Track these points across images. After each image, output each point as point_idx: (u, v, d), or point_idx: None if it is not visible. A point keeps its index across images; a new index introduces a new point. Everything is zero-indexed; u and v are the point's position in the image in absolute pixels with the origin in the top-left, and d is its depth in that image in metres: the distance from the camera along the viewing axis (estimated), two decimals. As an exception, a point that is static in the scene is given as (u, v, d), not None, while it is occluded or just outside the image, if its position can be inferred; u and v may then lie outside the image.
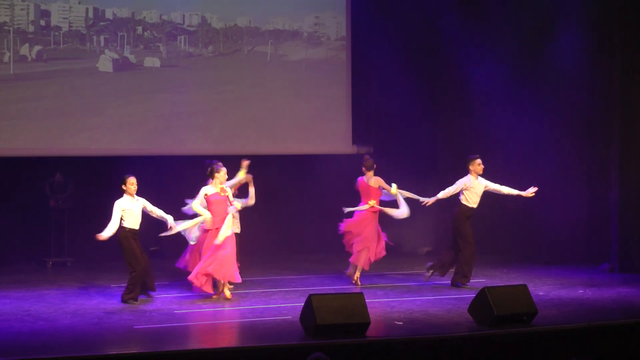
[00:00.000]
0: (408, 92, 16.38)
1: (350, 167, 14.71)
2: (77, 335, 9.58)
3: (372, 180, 12.94)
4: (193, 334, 9.84)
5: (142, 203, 11.49)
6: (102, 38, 15.14)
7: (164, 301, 11.56)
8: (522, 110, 15.77)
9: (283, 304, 11.53)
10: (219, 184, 11.76)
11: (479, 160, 12.83)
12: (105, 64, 15.13)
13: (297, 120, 16.19)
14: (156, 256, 14.77)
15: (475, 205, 12.82)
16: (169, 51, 15.59)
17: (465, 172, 12.87)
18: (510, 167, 15.19)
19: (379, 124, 17.01)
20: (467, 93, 16.18)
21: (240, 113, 15.90)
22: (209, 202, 11.69)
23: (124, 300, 11.25)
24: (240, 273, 12.00)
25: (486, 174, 12.89)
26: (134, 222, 11.37)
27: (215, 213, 11.66)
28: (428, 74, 16.62)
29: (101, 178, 14.72)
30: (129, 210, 11.35)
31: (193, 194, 11.92)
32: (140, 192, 11.52)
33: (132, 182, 11.44)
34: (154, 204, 11.56)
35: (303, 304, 9.68)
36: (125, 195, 11.42)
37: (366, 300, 9.75)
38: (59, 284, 12.85)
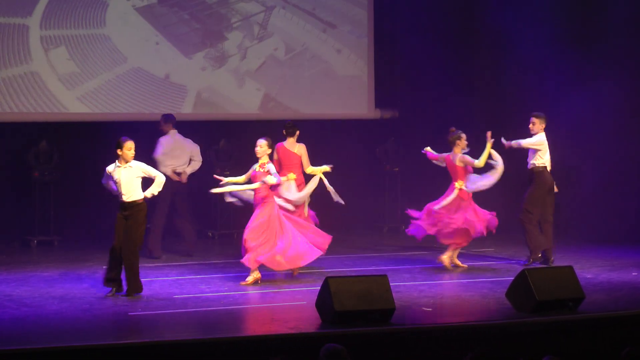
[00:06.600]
0: (441, 48, 16.17)
1: (371, 135, 14.64)
2: (65, 323, 9.62)
3: (296, 148, 12.74)
4: (195, 322, 9.87)
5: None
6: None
7: (163, 285, 11.61)
8: (570, 77, 15.54)
9: (297, 287, 11.56)
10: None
11: None
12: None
13: (307, 79, 16.01)
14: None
15: None
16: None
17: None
18: (551, 140, 15.11)
19: (407, 84, 16.79)
20: (510, 56, 15.93)
21: (234, 68, 15.71)
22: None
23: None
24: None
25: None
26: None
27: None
28: (464, 28, 16.44)
29: (93, 146, 14.72)
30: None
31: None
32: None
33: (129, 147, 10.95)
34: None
35: (319, 288, 9.69)
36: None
37: (391, 284, 9.76)
38: (45, 266, 12.91)
